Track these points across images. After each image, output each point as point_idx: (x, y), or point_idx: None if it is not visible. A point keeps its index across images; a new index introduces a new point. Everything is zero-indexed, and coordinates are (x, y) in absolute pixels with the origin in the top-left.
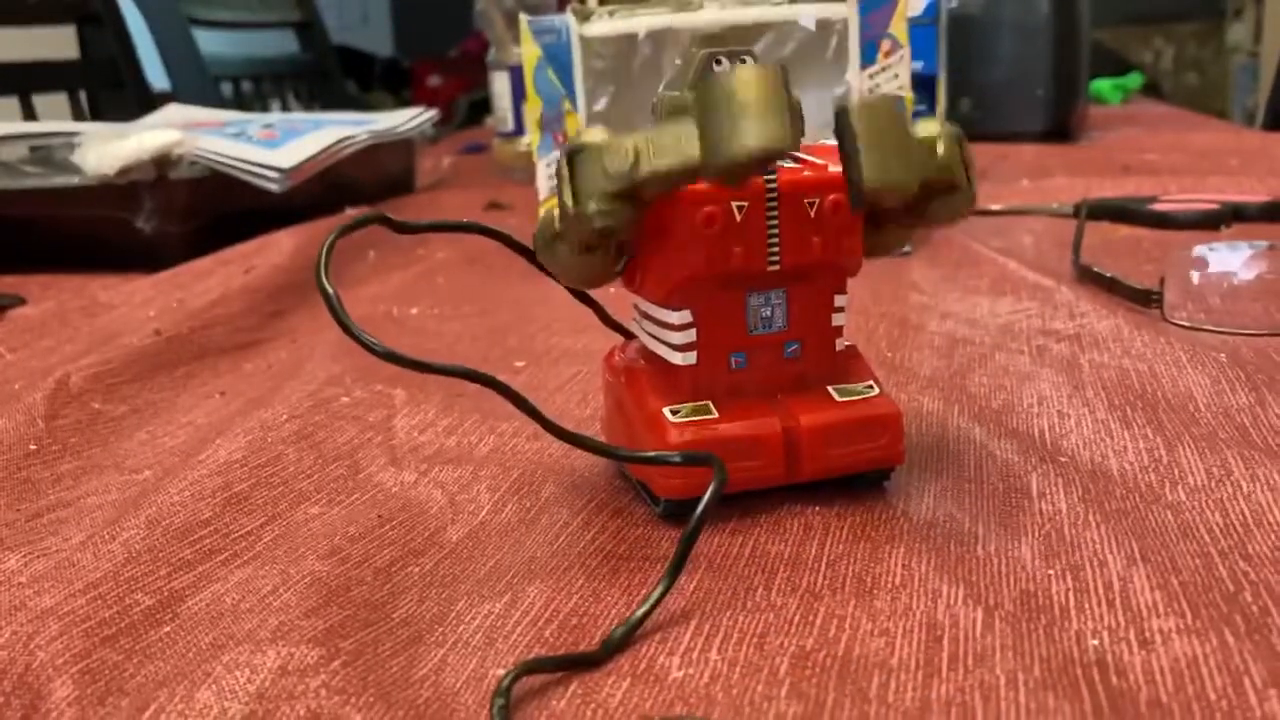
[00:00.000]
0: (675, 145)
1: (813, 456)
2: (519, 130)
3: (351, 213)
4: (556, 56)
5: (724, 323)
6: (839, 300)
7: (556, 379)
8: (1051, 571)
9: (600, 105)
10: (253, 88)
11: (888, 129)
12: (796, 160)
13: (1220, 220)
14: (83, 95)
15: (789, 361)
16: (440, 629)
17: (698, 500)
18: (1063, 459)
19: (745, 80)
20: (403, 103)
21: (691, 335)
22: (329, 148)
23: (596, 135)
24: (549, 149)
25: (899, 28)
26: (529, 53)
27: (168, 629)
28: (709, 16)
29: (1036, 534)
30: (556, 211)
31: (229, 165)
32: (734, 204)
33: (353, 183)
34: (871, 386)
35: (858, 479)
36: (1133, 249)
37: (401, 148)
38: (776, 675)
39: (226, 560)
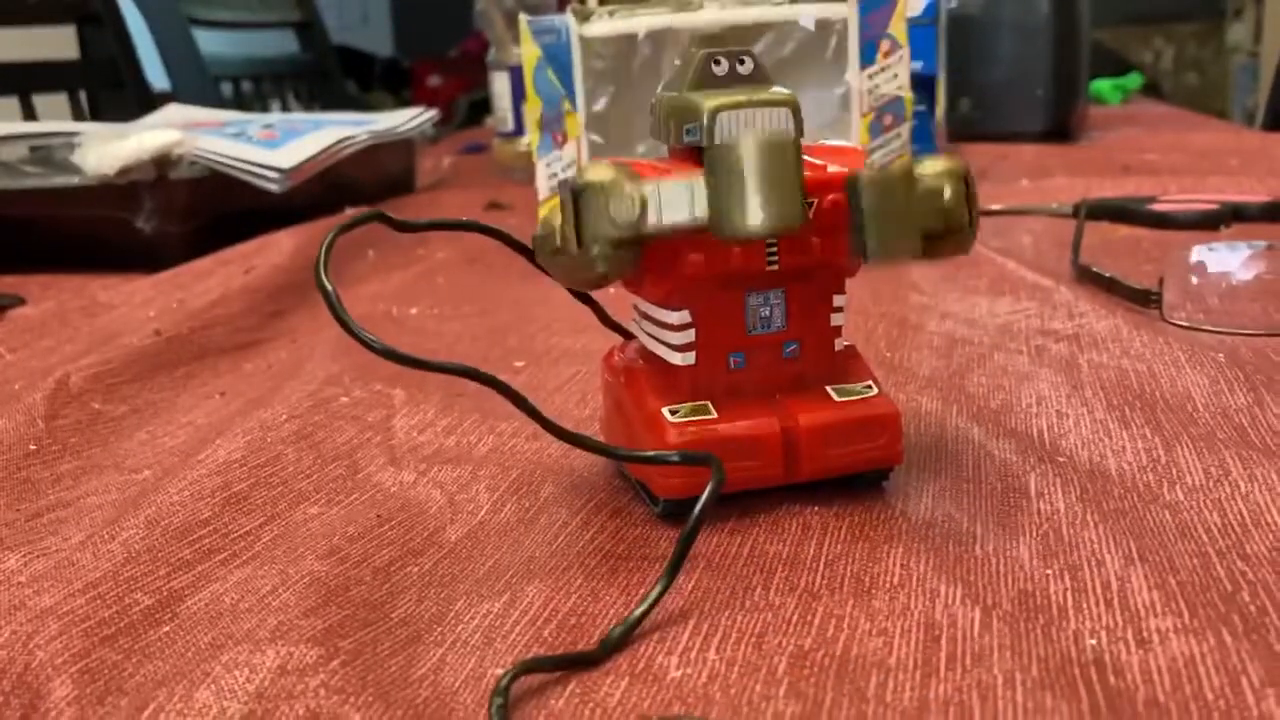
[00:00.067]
0: (685, 201)
1: (811, 456)
2: (519, 130)
3: (351, 213)
4: (556, 57)
5: (723, 323)
6: (838, 300)
7: (556, 379)
8: (1049, 571)
9: (600, 105)
10: (253, 88)
11: (896, 201)
12: None
13: (1220, 220)
14: (83, 95)
15: (788, 361)
16: (439, 628)
17: (696, 500)
18: (1061, 459)
19: (759, 156)
20: (403, 103)
21: (690, 335)
22: (329, 148)
23: (602, 173)
24: (549, 149)
25: (898, 28)
26: (529, 53)
27: (167, 628)
28: (709, 17)
29: (1034, 534)
30: (557, 222)
31: (229, 165)
32: None
33: (353, 183)
34: (870, 386)
35: (856, 479)
36: (1132, 249)
37: (401, 148)
38: (775, 675)
39: (226, 560)
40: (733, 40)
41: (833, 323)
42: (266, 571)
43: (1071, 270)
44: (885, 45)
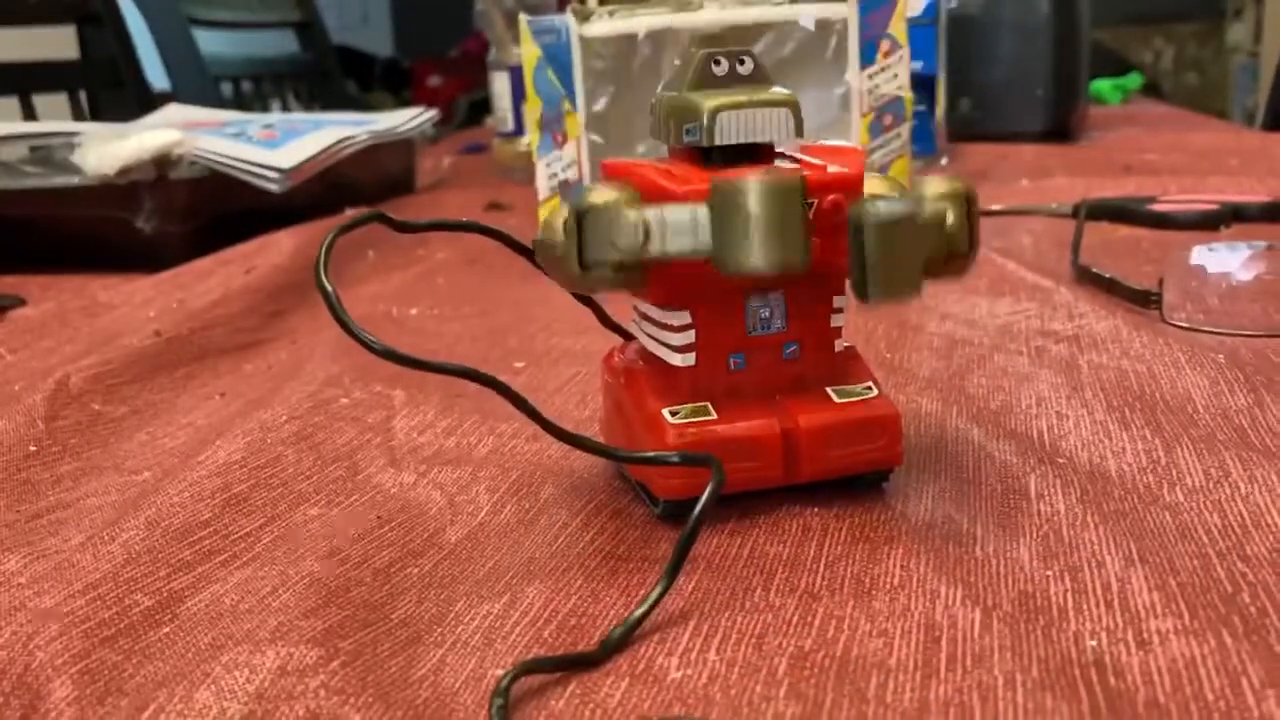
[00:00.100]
0: (689, 230)
1: (811, 457)
2: (519, 130)
3: (351, 213)
4: (556, 57)
5: (723, 324)
6: (838, 301)
7: (556, 380)
8: (1050, 572)
9: (600, 105)
10: (253, 88)
11: (902, 245)
12: (795, 160)
13: (1220, 221)
14: (83, 95)
15: (788, 362)
16: (439, 629)
17: (696, 501)
18: (1061, 460)
19: (765, 198)
20: (403, 103)
21: (690, 336)
22: (329, 148)
23: (605, 195)
24: (549, 149)
25: (898, 28)
26: (529, 53)
27: (167, 629)
28: (708, 16)
29: (1035, 535)
30: (558, 223)
31: (229, 165)
32: None
33: (353, 183)
34: (870, 388)
35: (856, 480)
36: (1132, 249)
37: (402, 148)
38: (775, 676)
39: (226, 561)
40: (733, 40)
41: (833, 324)
42: (267, 573)
43: (1071, 271)
44: (885, 45)
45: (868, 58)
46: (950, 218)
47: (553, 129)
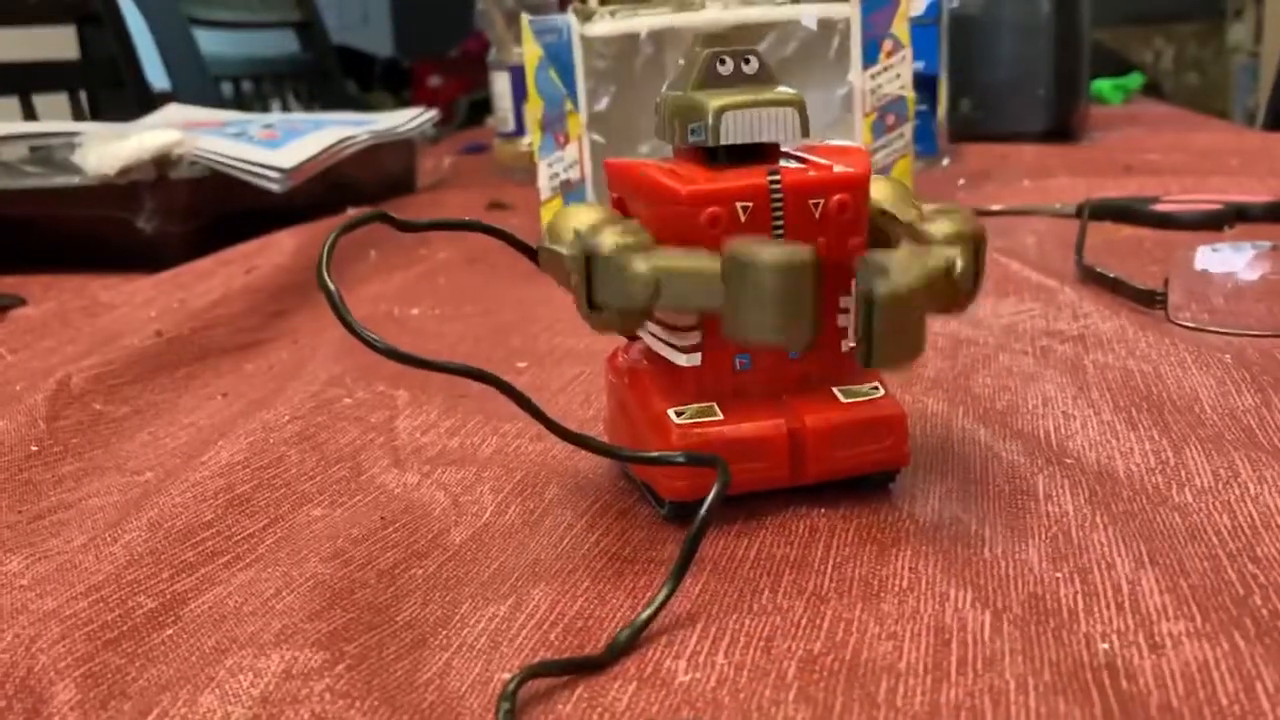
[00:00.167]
0: (702, 288)
1: (818, 458)
2: (520, 130)
3: (353, 213)
4: (558, 56)
5: None
6: (844, 301)
7: (560, 379)
8: (1059, 574)
9: (602, 105)
10: (253, 88)
11: (911, 315)
12: (801, 160)
13: (1223, 221)
14: (83, 95)
15: (793, 362)
16: (444, 632)
17: (702, 502)
18: (1069, 460)
19: (777, 276)
20: (403, 103)
21: (696, 336)
22: (330, 148)
23: (614, 239)
24: (550, 149)
25: (901, 28)
26: (530, 53)
27: (170, 632)
28: (711, 16)
29: (1044, 536)
30: (559, 224)
31: (229, 165)
32: (738, 205)
33: (354, 183)
34: (877, 388)
35: (863, 481)
36: (1135, 249)
37: (402, 148)
38: (784, 679)
39: (229, 563)
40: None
41: (839, 323)
42: (270, 574)
43: (1075, 271)
44: (888, 45)
45: (870, 57)
46: (959, 265)
47: (554, 129)
